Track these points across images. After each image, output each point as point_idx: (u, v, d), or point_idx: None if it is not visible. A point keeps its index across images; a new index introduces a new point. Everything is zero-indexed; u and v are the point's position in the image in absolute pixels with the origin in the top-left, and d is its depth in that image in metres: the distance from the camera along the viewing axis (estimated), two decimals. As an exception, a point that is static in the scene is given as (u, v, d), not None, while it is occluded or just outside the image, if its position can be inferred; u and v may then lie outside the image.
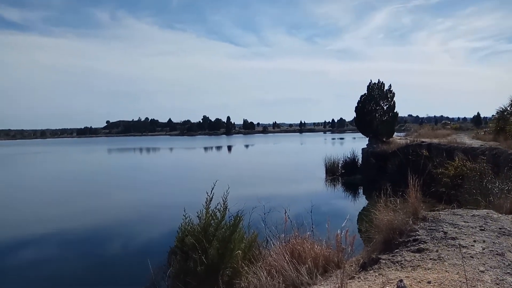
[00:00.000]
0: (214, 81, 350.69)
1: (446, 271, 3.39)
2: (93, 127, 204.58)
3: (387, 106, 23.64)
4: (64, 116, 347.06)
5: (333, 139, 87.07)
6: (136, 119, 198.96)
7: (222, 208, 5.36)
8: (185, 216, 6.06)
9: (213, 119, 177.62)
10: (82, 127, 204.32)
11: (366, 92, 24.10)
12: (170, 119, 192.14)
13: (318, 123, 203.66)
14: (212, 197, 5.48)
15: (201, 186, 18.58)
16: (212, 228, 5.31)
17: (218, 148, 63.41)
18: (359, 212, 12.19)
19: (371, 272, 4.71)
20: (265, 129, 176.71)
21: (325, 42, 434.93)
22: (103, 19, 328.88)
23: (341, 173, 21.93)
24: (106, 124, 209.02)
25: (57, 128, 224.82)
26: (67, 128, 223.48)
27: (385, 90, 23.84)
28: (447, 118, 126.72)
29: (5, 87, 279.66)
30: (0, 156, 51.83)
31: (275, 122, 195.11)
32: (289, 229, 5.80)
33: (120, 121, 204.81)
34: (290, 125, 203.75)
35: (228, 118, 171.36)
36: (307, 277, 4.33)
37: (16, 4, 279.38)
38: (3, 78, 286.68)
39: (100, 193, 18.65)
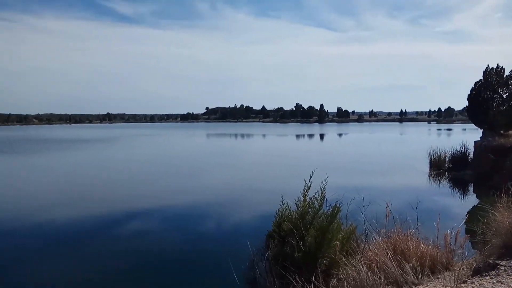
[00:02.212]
0: (308, 68, 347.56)
1: None
2: (194, 113, 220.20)
3: (507, 94, 20.71)
4: (170, 102, 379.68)
5: (439, 130, 79.72)
6: (232, 106, 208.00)
7: (320, 197, 5.32)
8: (282, 202, 6.18)
9: (306, 107, 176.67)
10: (185, 113, 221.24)
11: (481, 78, 21.42)
12: (263, 106, 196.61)
13: (421, 112, 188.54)
14: (310, 186, 5.47)
15: (294, 173, 18.77)
16: (309, 216, 5.32)
17: (310, 136, 63.00)
18: (468, 211, 11.01)
19: (487, 278, 4.25)
20: (360, 118, 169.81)
21: (432, 24, 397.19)
22: (203, 10, 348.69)
23: (448, 168, 20.00)
24: (205, 111, 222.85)
25: (164, 114, 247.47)
26: (172, 114, 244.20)
27: (505, 76, 20.91)
28: None
29: (120, 75, 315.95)
30: (116, 138, 59.02)
31: (372, 110, 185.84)
32: (391, 224, 5.50)
33: (218, 107, 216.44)
34: (389, 113, 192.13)
35: (322, 105, 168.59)
36: (412, 276, 4.07)
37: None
38: (118, 67, 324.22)
39: (201, 174, 20.02)
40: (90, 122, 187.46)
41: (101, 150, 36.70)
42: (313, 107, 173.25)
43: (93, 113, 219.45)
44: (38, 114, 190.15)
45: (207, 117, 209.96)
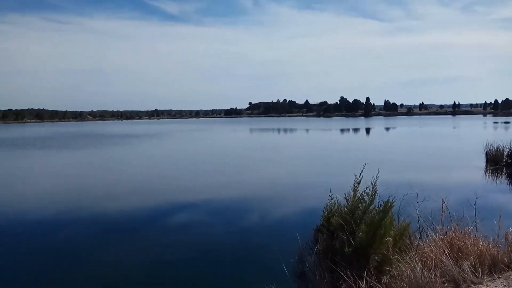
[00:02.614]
0: (353, 60, 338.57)
1: None
2: (237, 108, 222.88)
3: None
4: (214, 98, 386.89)
5: (496, 123, 74.66)
6: (275, 100, 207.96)
7: (371, 192, 5.22)
8: (331, 196, 6.13)
9: (351, 100, 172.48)
10: (229, 108, 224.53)
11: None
12: (307, 100, 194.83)
13: (476, 104, 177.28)
14: (360, 180, 5.38)
15: (340, 168, 18.50)
16: (359, 211, 5.24)
17: (356, 130, 61.50)
18: (531, 210, 10.27)
19: (555, 282, 3.99)
20: (409, 111, 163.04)
21: (487, 11, 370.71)
22: (246, 6, 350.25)
23: (506, 163, 18.72)
24: (248, 106, 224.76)
25: (208, 109, 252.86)
26: (216, 109, 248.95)
27: None
28: None
29: (167, 72, 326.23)
30: (163, 133, 61.25)
31: (422, 103, 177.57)
32: (446, 221, 5.30)
33: (260, 102, 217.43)
34: (441, 106, 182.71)
35: (368, 99, 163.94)
36: (471, 275, 3.91)
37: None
38: (165, 64, 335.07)
39: (247, 168, 20.31)
40: (140, 118, 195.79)
41: (150, 145, 38.28)
42: (359, 100, 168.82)
43: (143, 109, 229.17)
44: (92, 110, 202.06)
45: (250, 112, 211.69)
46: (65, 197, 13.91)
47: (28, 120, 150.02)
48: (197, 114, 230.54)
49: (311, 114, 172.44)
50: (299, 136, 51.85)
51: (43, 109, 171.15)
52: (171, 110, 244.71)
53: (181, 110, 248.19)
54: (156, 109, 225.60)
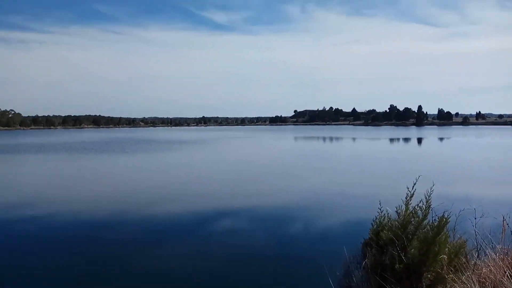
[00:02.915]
0: (405, 66, 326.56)
1: None
2: (282, 116, 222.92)
3: None
4: (259, 105, 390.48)
5: None
6: (320, 108, 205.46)
7: (424, 206, 5.00)
8: (380, 209, 5.94)
9: (401, 108, 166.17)
10: (274, 116, 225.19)
11: None
12: (354, 109, 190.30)
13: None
14: (413, 193, 5.18)
15: (390, 180, 17.84)
16: (412, 226, 5.03)
17: (407, 139, 59.03)
18: None
19: None
20: (465, 120, 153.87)
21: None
22: (294, 14, 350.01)
23: None
24: (293, 113, 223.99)
25: (253, 117, 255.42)
26: (261, 117, 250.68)
27: None
28: None
29: (214, 80, 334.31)
30: (210, 139, 62.69)
31: (479, 112, 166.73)
32: (508, 240, 4.93)
33: (306, 110, 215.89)
34: (500, 116, 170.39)
35: (420, 107, 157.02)
36: (537, 302, 3.60)
37: (224, 7, 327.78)
38: (213, 72, 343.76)
39: (292, 177, 20.20)
40: (188, 125, 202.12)
41: (197, 151, 39.33)
42: (410, 108, 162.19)
43: (190, 117, 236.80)
44: (144, 117, 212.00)
45: (295, 120, 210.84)
46: (116, 199, 14.65)
47: (86, 126, 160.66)
48: (242, 121, 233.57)
49: (359, 122, 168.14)
50: (345, 145, 50.75)
51: (99, 115, 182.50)
52: (217, 117, 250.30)
53: (227, 118, 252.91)
54: (203, 117, 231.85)
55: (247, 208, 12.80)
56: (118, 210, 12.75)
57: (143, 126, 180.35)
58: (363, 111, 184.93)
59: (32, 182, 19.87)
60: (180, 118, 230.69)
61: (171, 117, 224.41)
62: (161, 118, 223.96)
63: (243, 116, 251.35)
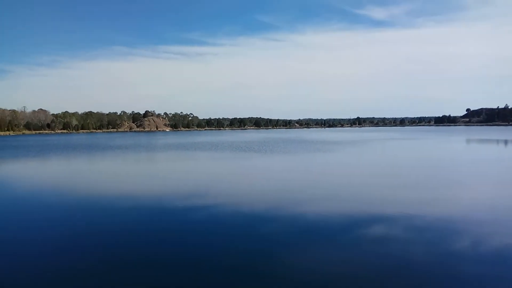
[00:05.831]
0: None
1: None
2: (451, 115, 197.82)
3: None
4: (422, 104, 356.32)
5: None
6: (501, 106, 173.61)
7: None
8: None
9: None
10: (440, 115, 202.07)
11: None
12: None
13: None
14: None
15: None
16: None
17: None
18: None
19: None
20: None
21: None
22: (466, 1, 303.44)
23: None
24: (466, 112, 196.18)
25: (415, 117, 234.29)
26: (424, 116, 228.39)
27: None
28: None
29: (370, 80, 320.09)
30: (363, 140, 59.95)
31: None
32: None
33: (481, 108, 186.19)
34: None
35: None
36: None
37: (383, 3, 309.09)
38: (368, 72, 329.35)
39: (458, 183, 17.46)
40: (342, 126, 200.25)
41: (349, 153, 38.15)
42: None
43: (344, 118, 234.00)
44: (299, 119, 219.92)
45: (467, 119, 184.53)
46: (271, 196, 15.30)
47: (248, 127, 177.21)
48: (401, 122, 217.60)
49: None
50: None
51: (259, 117, 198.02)
52: (373, 118, 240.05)
53: (384, 118, 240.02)
54: (358, 117, 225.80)
55: (402, 215, 11.58)
56: (272, 206, 13.32)
57: (297, 127, 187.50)
58: None
59: (211, 175, 22.75)
60: (334, 119, 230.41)
61: (324, 118, 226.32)
62: (315, 119, 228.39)
63: (403, 116, 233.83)
